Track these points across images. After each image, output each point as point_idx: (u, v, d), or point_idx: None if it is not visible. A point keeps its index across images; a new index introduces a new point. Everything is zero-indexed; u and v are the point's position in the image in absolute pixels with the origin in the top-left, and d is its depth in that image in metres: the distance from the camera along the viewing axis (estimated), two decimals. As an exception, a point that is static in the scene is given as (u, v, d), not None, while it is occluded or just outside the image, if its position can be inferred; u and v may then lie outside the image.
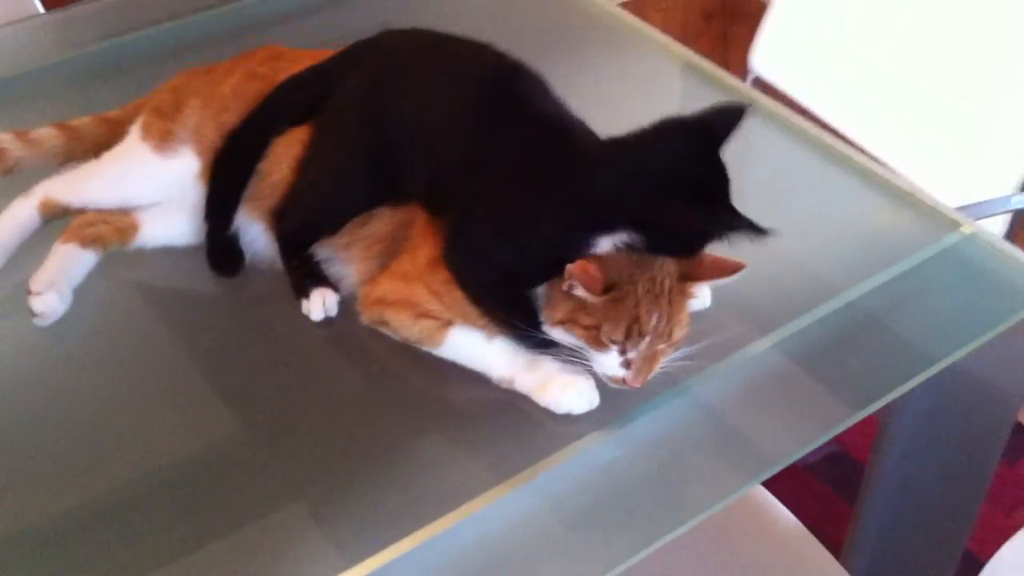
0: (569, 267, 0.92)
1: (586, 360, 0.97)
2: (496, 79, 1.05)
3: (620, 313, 0.94)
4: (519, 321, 0.99)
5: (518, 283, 0.98)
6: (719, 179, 0.94)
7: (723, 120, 0.96)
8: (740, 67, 1.91)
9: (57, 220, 1.16)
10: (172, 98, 1.18)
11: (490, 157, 1.00)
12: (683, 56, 1.50)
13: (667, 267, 0.95)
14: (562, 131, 1.01)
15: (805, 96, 1.80)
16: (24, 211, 1.15)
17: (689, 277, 0.97)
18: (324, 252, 1.10)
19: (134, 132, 1.17)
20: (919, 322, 1.11)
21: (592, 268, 0.92)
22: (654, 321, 0.95)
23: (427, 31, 1.12)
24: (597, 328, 0.94)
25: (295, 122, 1.12)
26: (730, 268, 0.97)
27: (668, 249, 0.95)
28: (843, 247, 1.21)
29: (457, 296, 1.01)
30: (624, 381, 0.96)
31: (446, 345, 1.02)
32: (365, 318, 1.06)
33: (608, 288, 0.93)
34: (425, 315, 1.03)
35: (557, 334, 0.97)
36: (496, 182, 0.99)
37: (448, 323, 1.02)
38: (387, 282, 1.05)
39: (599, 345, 0.95)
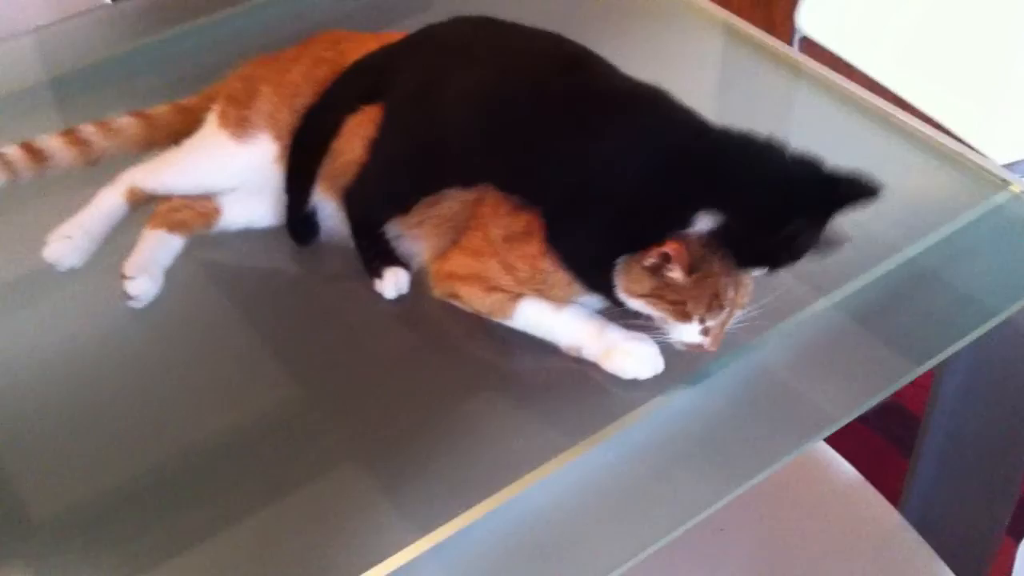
0: (665, 249, 0.96)
1: (661, 328, 1.02)
2: (569, 64, 1.07)
3: (703, 290, 0.98)
4: (613, 295, 1.03)
5: (611, 254, 1.01)
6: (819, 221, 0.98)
7: (854, 188, 0.98)
8: (784, 22, 1.92)
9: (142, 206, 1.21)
10: (244, 86, 1.22)
11: (575, 139, 1.02)
12: (724, 21, 1.51)
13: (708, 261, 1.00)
14: (657, 108, 1.04)
15: (852, 54, 1.81)
16: (112, 200, 1.21)
17: None
18: (394, 230, 1.15)
19: (211, 120, 1.22)
20: (972, 279, 1.15)
21: (684, 251, 0.96)
22: (730, 293, 1.00)
23: (494, 19, 1.14)
24: (683, 303, 0.99)
25: (365, 102, 1.16)
26: None
27: (746, 250, 0.99)
28: (894, 208, 1.21)
29: (528, 270, 1.05)
30: (701, 347, 1.01)
31: (516, 316, 1.07)
32: (437, 292, 1.11)
33: (694, 268, 0.98)
34: (496, 288, 1.07)
35: (636, 305, 1.01)
36: (590, 159, 1.02)
37: (518, 296, 1.07)
38: (459, 257, 1.09)
39: (683, 318, 1.00)
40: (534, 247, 1.05)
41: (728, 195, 0.97)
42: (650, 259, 0.97)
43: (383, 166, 1.14)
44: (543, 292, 1.06)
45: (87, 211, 1.20)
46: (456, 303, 1.10)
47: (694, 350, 1.02)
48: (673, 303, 0.99)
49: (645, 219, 0.99)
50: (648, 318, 1.02)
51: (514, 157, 1.06)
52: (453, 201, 1.12)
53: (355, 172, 1.15)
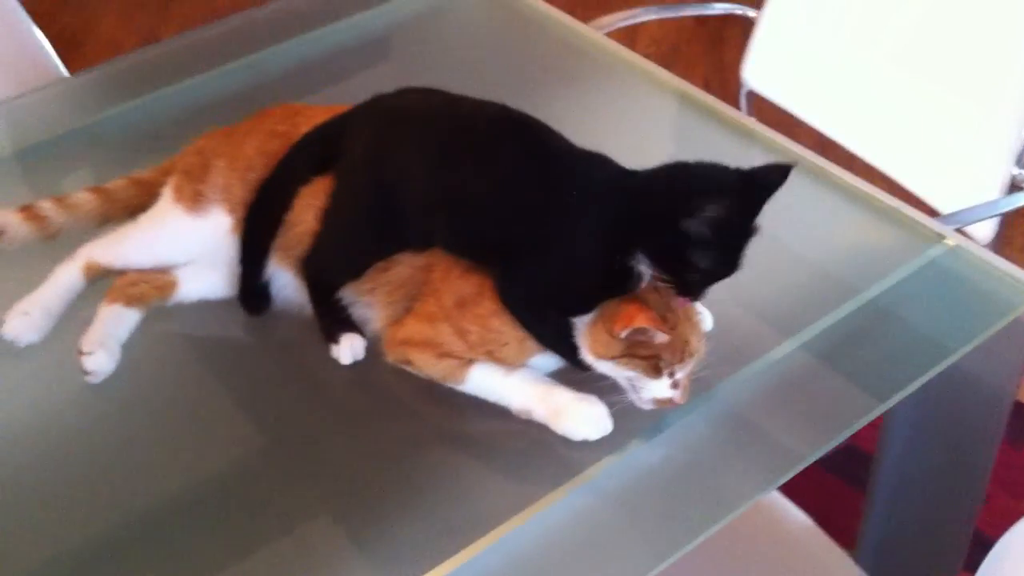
0: (636, 324, 0.99)
1: (626, 392, 1.05)
2: (510, 129, 1.11)
3: (675, 341, 1.02)
4: (568, 357, 1.07)
5: (569, 313, 1.05)
6: (744, 233, 1.01)
7: (767, 178, 1.01)
8: (734, 66, 1.96)
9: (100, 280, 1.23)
10: (199, 160, 1.25)
11: (521, 200, 1.06)
12: (675, 86, 1.56)
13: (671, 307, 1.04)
14: (593, 166, 1.08)
15: (798, 107, 1.86)
16: (69, 276, 1.22)
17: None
18: (349, 296, 1.17)
19: (166, 195, 1.24)
20: (914, 328, 1.19)
21: (651, 313, 1.00)
22: (694, 341, 1.03)
23: (440, 91, 1.17)
24: (657, 358, 1.02)
25: (317, 172, 1.19)
26: None
27: (678, 274, 1.02)
28: (837, 262, 1.28)
29: (480, 331, 1.08)
30: (671, 401, 1.04)
31: (468, 382, 1.09)
32: (390, 358, 1.13)
33: (667, 322, 1.01)
34: (448, 355, 1.10)
35: (605, 368, 1.04)
36: (534, 222, 1.05)
37: (469, 362, 1.09)
38: (412, 323, 1.12)
39: (655, 373, 1.02)
40: (485, 307, 1.08)
41: (651, 226, 1.01)
42: (624, 331, 1.00)
43: (335, 232, 1.17)
44: (496, 354, 1.09)
45: (45, 287, 1.21)
46: (409, 369, 1.13)
47: (664, 406, 1.04)
48: (646, 359, 1.02)
49: (590, 276, 1.03)
50: (612, 381, 1.05)
51: (461, 220, 1.10)
52: (404, 267, 1.14)
53: (309, 242, 1.18)
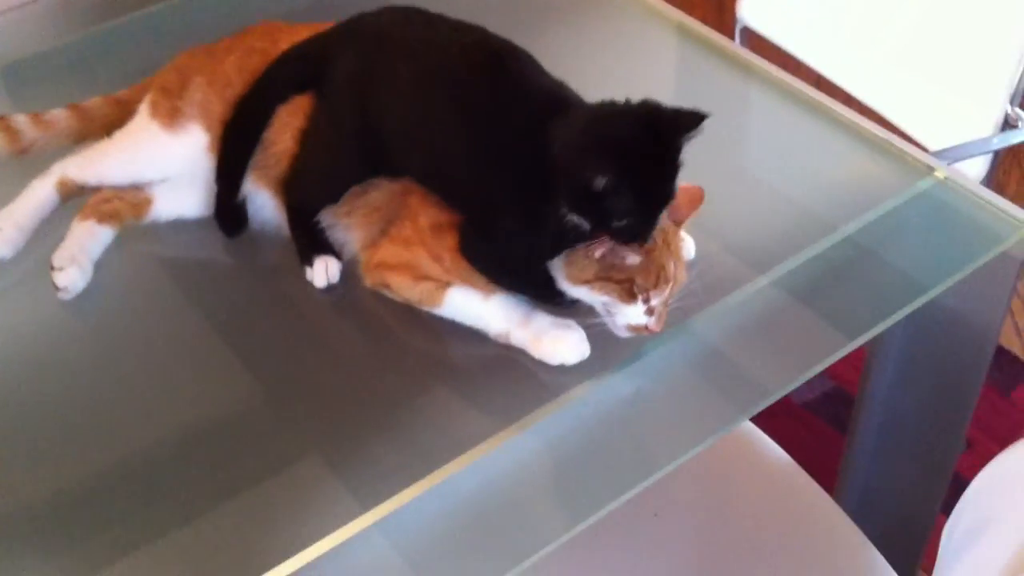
0: (606, 240, 0.97)
1: (601, 317, 1.03)
2: (488, 61, 1.08)
3: (649, 265, 1.00)
4: (539, 295, 1.05)
5: (536, 261, 1.03)
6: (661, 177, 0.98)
7: (679, 124, 0.97)
8: (732, 7, 1.94)
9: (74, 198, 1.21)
10: (177, 77, 1.23)
11: (487, 142, 1.04)
12: (675, 19, 1.53)
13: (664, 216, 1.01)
14: (557, 109, 1.03)
15: (792, 44, 1.84)
16: (43, 191, 1.21)
17: (677, 220, 1.04)
18: (327, 219, 1.16)
19: (143, 111, 1.22)
20: (903, 259, 1.17)
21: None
22: (672, 267, 1.01)
23: (423, 11, 1.15)
24: (631, 281, 1.00)
25: (297, 91, 1.17)
26: (698, 195, 1.05)
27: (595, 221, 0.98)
28: (824, 195, 1.26)
29: (457, 260, 1.06)
30: (647, 328, 1.02)
31: (445, 304, 1.08)
32: (368, 281, 1.12)
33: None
34: (425, 278, 1.08)
35: (581, 293, 1.02)
36: (498, 168, 1.03)
37: (447, 284, 1.08)
38: (388, 247, 1.10)
39: (630, 298, 1.00)
40: (456, 240, 1.07)
41: (564, 181, 0.97)
42: (599, 250, 0.99)
43: (314, 153, 1.15)
44: (469, 281, 1.07)
45: (18, 202, 1.20)
46: (386, 292, 1.12)
47: (639, 332, 1.03)
48: (620, 283, 1.00)
49: (540, 231, 1.00)
50: (588, 307, 1.04)
51: (429, 159, 1.08)
52: (381, 191, 1.13)
53: (287, 162, 1.16)
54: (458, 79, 1.07)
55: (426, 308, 1.10)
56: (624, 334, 1.03)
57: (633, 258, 0.99)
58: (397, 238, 1.10)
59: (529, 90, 1.06)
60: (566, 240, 1.00)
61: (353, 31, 1.17)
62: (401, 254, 1.09)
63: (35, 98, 1.31)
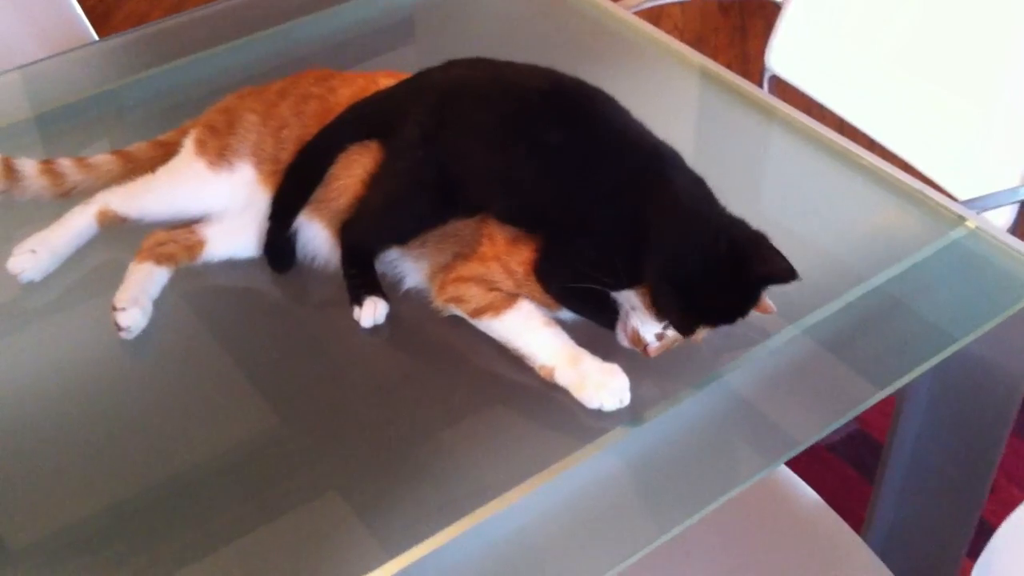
0: None
1: (622, 316, 1.08)
2: (565, 100, 1.13)
3: None
4: (598, 322, 1.11)
5: (604, 287, 1.07)
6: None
7: (773, 271, 1.04)
8: (757, 58, 1.97)
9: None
10: (225, 117, 1.26)
11: (570, 176, 1.10)
12: (699, 64, 1.56)
13: None
14: (640, 152, 1.11)
15: (821, 93, 1.87)
16: (82, 220, 1.24)
17: None
18: (393, 253, 1.19)
19: (188, 148, 1.26)
20: (933, 309, 1.19)
21: None
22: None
23: (488, 59, 1.20)
24: None
25: (364, 139, 1.20)
26: (764, 308, 1.10)
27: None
28: (856, 244, 1.29)
29: (529, 275, 1.11)
30: (646, 348, 1.07)
31: (506, 318, 1.11)
32: (441, 298, 1.14)
33: None
34: (497, 289, 1.12)
35: (626, 292, 1.07)
36: (580, 198, 1.09)
37: (516, 297, 1.11)
38: (465, 264, 1.14)
39: (659, 317, 1.05)
40: (532, 253, 1.11)
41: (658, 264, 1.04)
42: None
43: (388, 201, 1.18)
44: (537, 296, 1.11)
45: (55, 227, 1.23)
46: (456, 309, 1.14)
47: (636, 347, 1.08)
48: None
49: (630, 253, 1.05)
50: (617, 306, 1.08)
51: (515, 195, 1.13)
52: (457, 222, 1.16)
53: (346, 199, 1.19)
54: (536, 121, 1.12)
55: (486, 320, 1.12)
56: (624, 342, 1.09)
57: None
58: (473, 256, 1.14)
59: (618, 135, 1.12)
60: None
61: (423, 86, 1.21)
62: (476, 268, 1.13)
63: (73, 145, 1.33)
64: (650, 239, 1.04)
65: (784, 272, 1.03)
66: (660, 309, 1.04)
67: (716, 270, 1.03)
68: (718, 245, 1.03)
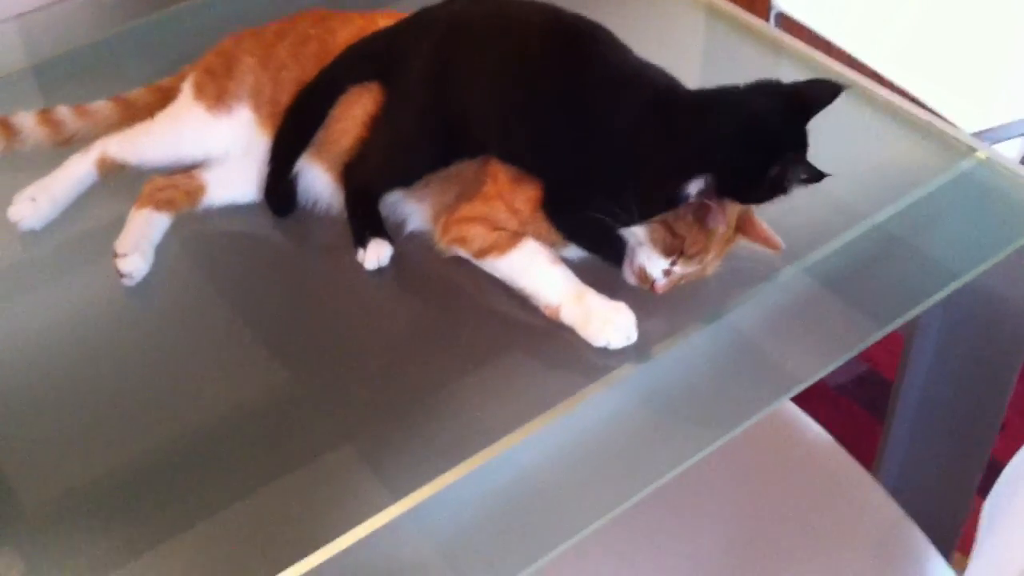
0: (713, 205, 1.01)
1: (630, 252, 1.07)
2: (567, 37, 1.11)
3: (705, 240, 1.04)
4: (607, 259, 1.09)
5: (614, 224, 1.06)
6: (800, 144, 1.03)
7: (817, 94, 1.04)
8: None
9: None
10: (223, 60, 1.25)
11: (573, 113, 1.08)
12: (707, 1, 1.54)
13: (732, 216, 1.05)
14: (645, 81, 1.08)
15: (827, 29, 1.85)
16: (82, 167, 1.23)
17: (742, 231, 1.08)
18: (395, 195, 1.17)
19: (186, 92, 1.24)
20: (939, 243, 1.18)
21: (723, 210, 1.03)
22: (711, 257, 1.06)
23: None
24: (681, 240, 1.04)
25: (365, 80, 1.18)
26: (773, 244, 1.09)
27: (742, 196, 1.04)
28: (866, 176, 1.27)
29: (534, 213, 1.09)
30: (653, 284, 1.06)
31: (512, 256, 1.10)
32: (445, 239, 1.13)
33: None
34: (500, 228, 1.11)
35: (635, 227, 1.05)
36: (586, 135, 1.07)
37: (520, 236, 1.10)
38: (468, 204, 1.12)
39: (666, 252, 1.04)
40: (536, 191, 1.10)
41: (713, 158, 1.01)
42: (711, 216, 1.02)
43: (392, 144, 1.17)
44: (542, 235, 1.10)
45: (55, 175, 1.22)
46: (460, 248, 1.13)
47: (644, 284, 1.06)
48: (675, 235, 1.04)
49: (643, 191, 1.03)
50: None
51: (515, 135, 1.11)
52: (460, 165, 1.15)
53: (348, 142, 1.18)
54: (538, 57, 1.10)
55: (491, 259, 1.11)
56: (631, 279, 1.08)
57: (721, 225, 1.03)
58: (476, 196, 1.12)
59: (617, 62, 1.10)
60: (666, 205, 1.03)
61: (425, 22, 1.19)
62: (479, 208, 1.12)
63: (69, 95, 1.32)
64: (691, 140, 1.03)
65: (831, 87, 1.03)
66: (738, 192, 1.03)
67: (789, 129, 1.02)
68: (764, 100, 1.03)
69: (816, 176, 1.01)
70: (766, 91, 1.04)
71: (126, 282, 1.14)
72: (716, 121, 1.03)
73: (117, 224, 1.17)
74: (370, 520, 0.93)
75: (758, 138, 1.02)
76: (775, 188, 1.02)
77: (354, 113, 1.18)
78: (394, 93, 1.17)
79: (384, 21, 1.24)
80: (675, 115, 1.04)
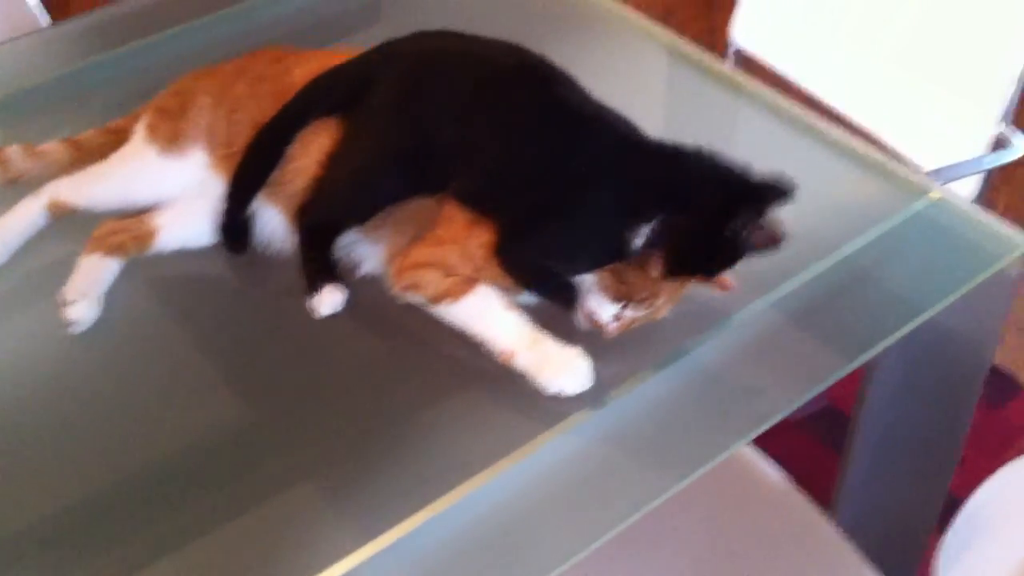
0: (657, 256, 1.02)
1: (582, 297, 1.07)
2: (531, 78, 1.12)
3: (649, 286, 1.04)
4: (560, 305, 1.08)
5: (567, 272, 1.06)
6: (759, 201, 1.04)
7: (770, 191, 1.04)
8: (724, 30, 1.96)
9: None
10: (177, 100, 1.24)
11: (533, 156, 1.09)
12: (666, 40, 1.55)
13: None
14: (603, 127, 1.09)
15: (784, 66, 1.86)
16: (33, 210, 1.21)
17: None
18: (350, 236, 1.16)
19: (139, 134, 1.23)
20: (899, 281, 1.19)
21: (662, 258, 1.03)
22: (662, 300, 1.06)
23: (456, 32, 1.18)
24: (629, 286, 1.04)
25: (327, 111, 1.18)
26: (724, 286, 1.09)
27: (695, 264, 1.05)
28: (819, 217, 1.27)
29: (488, 259, 1.08)
30: (604, 328, 1.06)
31: (464, 303, 1.08)
32: (397, 286, 1.12)
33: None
34: (455, 273, 1.10)
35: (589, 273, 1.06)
36: (541, 177, 1.07)
37: (474, 281, 1.09)
38: (422, 248, 1.11)
39: (616, 297, 1.05)
40: (491, 236, 1.09)
41: (672, 206, 1.02)
42: (655, 269, 1.03)
43: (349, 173, 1.16)
44: (497, 280, 1.09)
45: (5, 219, 1.21)
46: (413, 296, 1.12)
47: (595, 327, 1.06)
48: (622, 283, 1.04)
49: (597, 236, 1.05)
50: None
51: (477, 171, 1.11)
52: (415, 203, 1.14)
53: (305, 182, 1.17)
54: (502, 97, 1.11)
55: (445, 305, 1.10)
56: (583, 324, 1.07)
57: (656, 272, 1.04)
58: (431, 239, 1.11)
59: (579, 106, 1.11)
60: (617, 254, 1.03)
61: (391, 54, 1.19)
62: (434, 252, 1.10)
63: (29, 132, 1.31)
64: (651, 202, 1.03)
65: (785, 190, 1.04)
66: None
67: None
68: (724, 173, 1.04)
69: (774, 240, 1.02)
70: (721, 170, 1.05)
71: (73, 329, 1.12)
72: (669, 169, 1.04)
73: (67, 266, 1.16)
74: (338, 563, 0.93)
75: (713, 190, 1.02)
76: (730, 251, 1.03)
77: (310, 152, 1.17)
78: (357, 121, 1.16)
79: (340, 60, 1.23)
80: (628, 164, 1.05)
